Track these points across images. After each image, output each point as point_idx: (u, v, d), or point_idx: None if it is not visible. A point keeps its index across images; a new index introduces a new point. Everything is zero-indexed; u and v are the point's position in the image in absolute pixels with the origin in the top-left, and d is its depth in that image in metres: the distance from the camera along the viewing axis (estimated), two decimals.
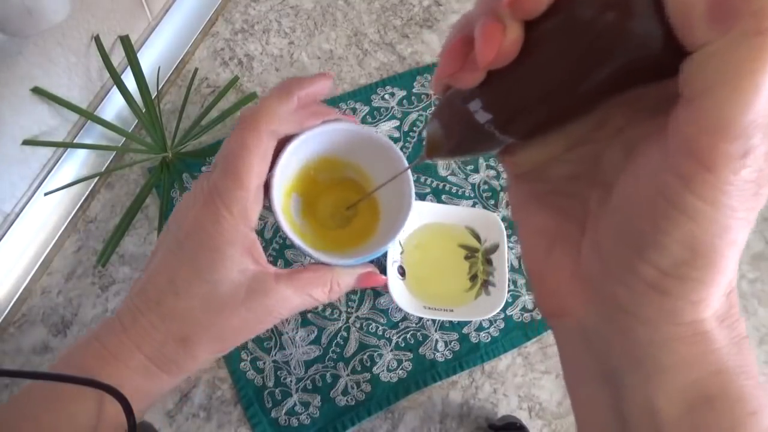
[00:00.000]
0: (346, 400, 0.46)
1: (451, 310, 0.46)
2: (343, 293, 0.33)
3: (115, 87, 0.50)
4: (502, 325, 0.49)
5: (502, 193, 0.54)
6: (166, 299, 0.27)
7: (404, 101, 0.56)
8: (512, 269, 0.51)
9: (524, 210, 0.22)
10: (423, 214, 0.48)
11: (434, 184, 0.53)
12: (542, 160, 0.20)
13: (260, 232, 0.50)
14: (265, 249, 0.50)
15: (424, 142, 0.23)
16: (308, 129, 0.32)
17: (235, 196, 0.27)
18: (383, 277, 0.36)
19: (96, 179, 0.50)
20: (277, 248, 0.49)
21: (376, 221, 0.37)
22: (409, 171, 0.33)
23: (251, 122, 0.28)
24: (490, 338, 0.49)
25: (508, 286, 0.47)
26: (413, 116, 0.55)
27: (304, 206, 0.37)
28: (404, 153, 0.54)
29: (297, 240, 0.31)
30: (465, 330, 0.49)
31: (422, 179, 0.53)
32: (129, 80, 0.50)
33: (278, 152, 0.31)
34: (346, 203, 0.38)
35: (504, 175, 0.55)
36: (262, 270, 0.29)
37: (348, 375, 0.46)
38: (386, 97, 0.56)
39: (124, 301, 0.29)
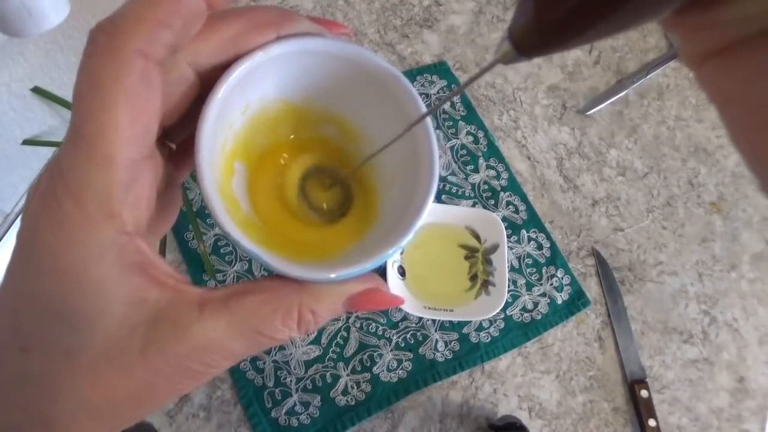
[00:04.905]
0: (346, 400, 0.46)
1: (451, 310, 0.46)
2: (324, 324, 0.20)
3: None
4: (502, 325, 0.49)
5: (502, 193, 0.54)
6: (10, 358, 0.17)
7: None
8: (512, 269, 0.51)
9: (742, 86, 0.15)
10: None
11: None
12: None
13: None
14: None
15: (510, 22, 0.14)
16: (253, 52, 0.19)
17: (87, 177, 0.15)
18: (397, 296, 0.21)
19: None
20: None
21: (373, 209, 0.23)
22: (430, 124, 0.20)
23: (103, 40, 0.15)
24: (490, 338, 0.49)
25: (508, 286, 0.47)
26: None
27: (255, 183, 0.23)
28: None
29: (244, 240, 0.18)
30: (465, 330, 0.49)
31: None
32: None
33: (206, 94, 0.18)
34: (321, 179, 0.24)
35: (504, 175, 0.55)
36: (174, 296, 0.17)
37: (348, 375, 0.46)
38: None
39: None
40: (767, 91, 0.14)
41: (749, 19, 0.13)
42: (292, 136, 0.24)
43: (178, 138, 0.20)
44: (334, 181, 0.24)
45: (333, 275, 0.18)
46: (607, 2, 0.11)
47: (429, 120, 0.20)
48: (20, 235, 0.16)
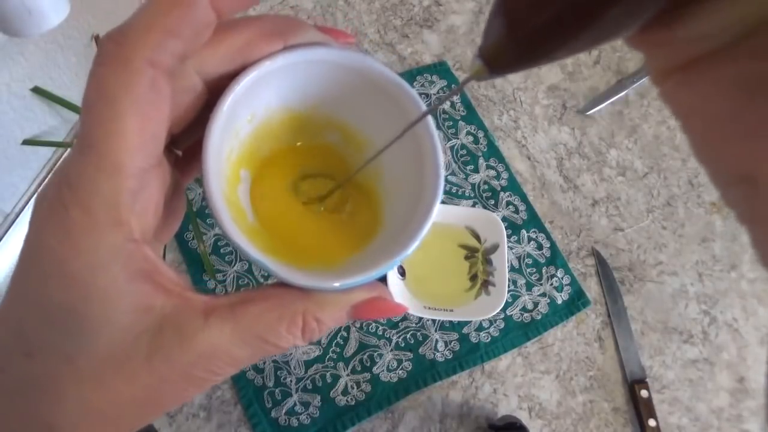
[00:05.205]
0: (346, 400, 0.46)
1: (451, 310, 0.46)
2: (327, 332, 0.21)
3: None
4: (502, 325, 0.49)
5: (502, 193, 0.54)
6: (14, 363, 0.17)
7: None
8: (512, 269, 0.51)
9: (706, 103, 0.15)
10: None
11: None
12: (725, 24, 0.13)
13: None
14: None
15: (482, 36, 0.14)
16: (260, 61, 0.19)
17: (95, 185, 0.15)
18: (401, 304, 0.21)
19: None
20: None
21: (377, 216, 0.23)
22: (432, 124, 0.20)
23: (112, 49, 0.15)
24: (490, 338, 0.49)
25: (508, 286, 0.47)
26: None
27: (259, 191, 0.23)
28: None
29: (251, 249, 0.18)
30: (465, 330, 0.49)
31: None
32: None
33: (213, 102, 0.19)
34: (325, 185, 0.24)
35: (504, 175, 0.55)
36: (179, 303, 0.17)
37: (348, 375, 0.46)
38: None
39: None
40: (726, 105, 0.14)
41: (709, 35, 0.14)
42: (296, 144, 0.24)
43: (184, 144, 0.20)
44: (338, 188, 0.24)
45: (337, 284, 0.18)
46: (574, 23, 0.12)
47: (432, 124, 0.20)
48: (27, 242, 0.16)
